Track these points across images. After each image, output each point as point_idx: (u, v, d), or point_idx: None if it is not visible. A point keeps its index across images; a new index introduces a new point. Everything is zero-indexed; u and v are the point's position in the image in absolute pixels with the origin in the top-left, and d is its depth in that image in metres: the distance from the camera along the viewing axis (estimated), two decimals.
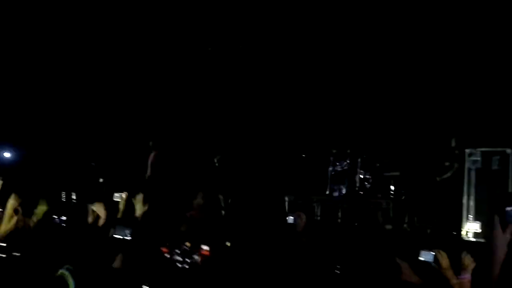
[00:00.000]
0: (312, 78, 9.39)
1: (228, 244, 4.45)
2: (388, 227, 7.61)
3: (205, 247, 4.54)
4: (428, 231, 7.17)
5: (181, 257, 4.44)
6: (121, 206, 4.50)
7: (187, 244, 4.61)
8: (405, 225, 7.59)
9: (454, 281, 3.12)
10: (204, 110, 10.21)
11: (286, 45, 9.32)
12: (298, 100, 9.53)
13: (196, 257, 4.49)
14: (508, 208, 3.12)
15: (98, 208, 4.28)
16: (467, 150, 7.57)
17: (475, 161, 7.46)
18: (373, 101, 8.93)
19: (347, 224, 8.24)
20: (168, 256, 4.50)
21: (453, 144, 7.43)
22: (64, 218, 4.44)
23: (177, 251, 4.49)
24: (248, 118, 10.06)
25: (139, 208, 4.33)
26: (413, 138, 7.98)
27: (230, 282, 3.98)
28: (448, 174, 7.37)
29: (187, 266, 4.42)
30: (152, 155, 9.17)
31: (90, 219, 4.25)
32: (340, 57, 9.06)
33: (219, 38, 9.70)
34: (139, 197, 4.38)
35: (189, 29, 9.49)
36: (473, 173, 7.51)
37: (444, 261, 3.16)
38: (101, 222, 4.18)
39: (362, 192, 8.66)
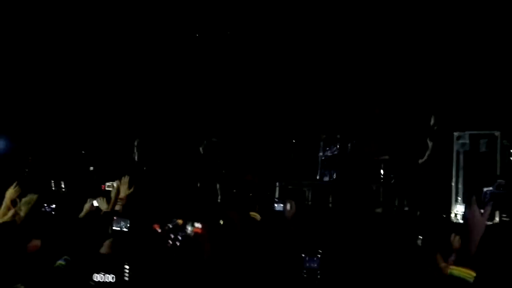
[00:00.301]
0: (301, 64, 9.39)
1: (221, 222, 4.54)
2: (378, 210, 7.69)
3: (197, 224, 4.64)
4: (418, 213, 7.25)
5: (173, 234, 4.53)
6: (112, 195, 4.51)
7: (179, 221, 4.73)
8: (394, 209, 7.67)
9: (442, 263, 3.15)
10: (192, 97, 10.19)
11: (273, 32, 9.31)
12: (288, 86, 9.54)
13: (188, 233, 4.59)
14: (485, 189, 3.20)
15: (100, 203, 4.31)
16: (456, 133, 7.64)
17: (463, 144, 7.53)
18: (361, 87, 8.96)
19: (338, 209, 8.31)
20: (160, 232, 4.61)
21: (432, 122, 7.45)
22: (53, 206, 4.45)
23: (169, 227, 4.60)
24: (237, 104, 10.06)
25: (124, 191, 4.38)
26: (402, 123, 8.03)
27: (221, 260, 4.06)
28: (425, 157, 7.42)
29: (178, 243, 4.49)
30: (138, 141, 9.25)
31: (86, 209, 4.27)
32: (329, 43, 9.07)
33: (204, 25, 9.67)
34: (125, 180, 4.43)
35: (174, 21, 9.46)
36: (461, 156, 7.60)
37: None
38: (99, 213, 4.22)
39: (352, 177, 8.72)
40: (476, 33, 7.80)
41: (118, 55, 10.00)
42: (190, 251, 4.40)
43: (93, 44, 9.94)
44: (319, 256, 4.03)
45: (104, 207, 4.28)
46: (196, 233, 4.63)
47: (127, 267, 3.24)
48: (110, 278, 3.10)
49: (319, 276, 4.01)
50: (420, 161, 7.45)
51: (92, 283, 3.04)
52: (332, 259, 4.25)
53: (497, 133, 7.33)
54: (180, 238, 4.46)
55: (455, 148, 7.58)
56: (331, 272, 4.19)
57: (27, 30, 9.48)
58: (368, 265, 4.52)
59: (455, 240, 3.44)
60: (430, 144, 7.32)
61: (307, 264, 3.98)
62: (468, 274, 2.78)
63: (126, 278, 3.25)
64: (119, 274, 3.15)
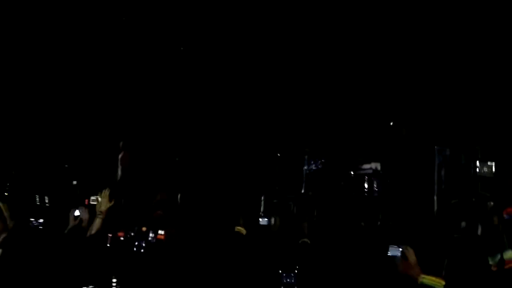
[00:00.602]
0: (286, 79, 9.48)
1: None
2: (361, 224, 7.76)
3: (160, 232, 4.88)
4: (400, 227, 7.33)
5: (137, 241, 4.73)
6: (97, 209, 4.51)
7: (143, 228, 4.97)
8: (378, 222, 7.75)
9: (420, 277, 3.23)
10: (175, 110, 10.22)
11: (258, 46, 9.40)
12: (272, 99, 9.62)
13: (151, 240, 4.83)
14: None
15: (82, 213, 4.31)
16: (436, 147, 7.77)
17: (444, 157, 7.68)
18: (345, 101, 9.08)
19: (323, 222, 8.35)
20: (123, 239, 4.74)
21: (404, 133, 7.58)
22: (41, 221, 4.44)
23: (132, 234, 4.78)
24: (223, 118, 10.10)
25: (104, 203, 4.39)
26: (385, 137, 8.15)
27: (183, 265, 4.14)
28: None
29: (142, 250, 4.67)
30: (122, 155, 9.24)
31: (71, 223, 4.26)
32: (312, 59, 9.18)
33: (190, 37, 9.71)
34: (106, 193, 4.45)
35: (161, 30, 9.48)
36: (442, 170, 7.73)
37: (411, 257, 3.26)
38: (84, 224, 4.22)
39: (336, 190, 8.81)
40: (461, 49, 7.97)
41: (99, 67, 9.99)
42: (154, 257, 4.53)
43: (77, 59, 9.91)
44: (296, 271, 4.08)
45: (86, 217, 4.28)
46: (159, 240, 4.84)
47: (114, 280, 3.26)
48: None
49: None
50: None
51: None
52: (309, 274, 4.29)
53: (477, 147, 7.49)
54: (143, 244, 4.63)
55: (437, 161, 7.72)
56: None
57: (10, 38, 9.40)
58: (348, 278, 4.56)
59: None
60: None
61: (284, 280, 4.03)
62: (438, 282, 2.95)
63: None
64: (106, 286, 3.17)
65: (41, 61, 9.82)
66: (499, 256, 3.72)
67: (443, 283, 3.00)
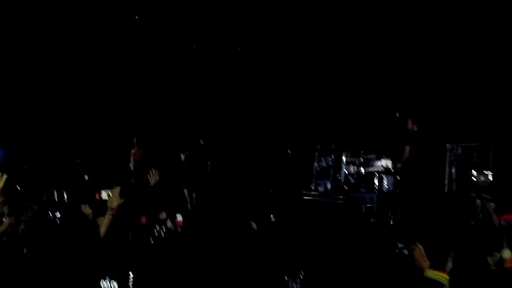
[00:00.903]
0: (296, 75, 9.47)
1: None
2: (373, 220, 7.74)
3: (179, 217, 5.26)
4: (411, 224, 7.30)
5: (158, 226, 5.00)
6: (109, 204, 4.56)
7: (163, 214, 5.27)
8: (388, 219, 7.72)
9: (426, 270, 3.30)
10: (188, 106, 10.25)
11: (269, 42, 9.39)
12: (283, 96, 9.61)
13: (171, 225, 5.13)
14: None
15: (85, 209, 4.37)
16: (448, 145, 7.72)
17: (456, 155, 7.63)
18: (356, 97, 9.05)
19: (332, 219, 8.35)
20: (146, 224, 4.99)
21: (409, 125, 7.49)
22: (58, 215, 4.53)
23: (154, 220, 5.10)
24: (234, 115, 10.10)
25: (115, 200, 4.44)
26: (396, 134, 8.11)
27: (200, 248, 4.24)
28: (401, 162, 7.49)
29: (163, 234, 4.92)
30: (135, 150, 9.27)
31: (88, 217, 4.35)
32: (324, 53, 9.15)
33: (202, 35, 9.72)
34: (116, 190, 4.50)
35: (174, 28, 9.51)
36: (453, 167, 7.69)
37: (420, 252, 3.30)
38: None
39: (346, 187, 8.78)
40: (469, 47, 7.90)
41: (113, 64, 10.05)
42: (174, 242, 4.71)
43: (89, 55, 9.96)
44: (302, 277, 4.10)
45: (88, 212, 4.34)
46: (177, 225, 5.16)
47: (131, 274, 3.31)
48: (114, 284, 3.17)
49: None
50: (398, 165, 7.54)
51: None
52: (315, 280, 4.30)
53: (489, 145, 7.43)
54: (164, 229, 4.80)
55: (448, 159, 7.67)
56: None
57: (13, 42, 9.47)
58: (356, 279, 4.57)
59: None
60: (407, 149, 7.39)
61: (290, 286, 4.03)
62: (442, 277, 3.05)
63: (130, 285, 3.32)
64: (123, 280, 3.22)
65: (55, 56, 9.91)
66: (498, 256, 3.87)
67: (447, 277, 3.13)
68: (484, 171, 7.26)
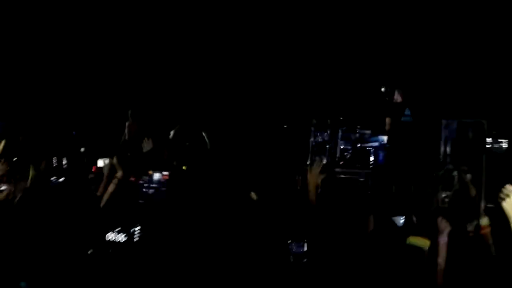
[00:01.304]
0: (292, 49, 9.42)
1: (184, 168, 5.38)
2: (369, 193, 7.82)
3: (165, 172, 5.53)
4: (405, 198, 7.37)
5: (147, 182, 5.30)
6: (105, 172, 4.59)
7: (149, 172, 5.58)
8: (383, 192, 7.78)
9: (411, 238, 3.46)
10: (184, 80, 10.21)
11: (263, 19, 9.32)
12: (278, 70, 9.58)
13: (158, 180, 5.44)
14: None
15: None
16: (443, 121, 7.73)
17: (450, 131, 7.65)
18: (352, 71, 9.03)
19: (327, 194, 8.40)
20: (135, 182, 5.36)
21: (382, 89, 7.51)
22: (61, 180, 4.61)
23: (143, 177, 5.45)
24: (227, 90, 10.09)
25: (119, 169, 4.50)
26: (390, 109, 8.12)
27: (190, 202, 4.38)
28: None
29: (151, 190, 5.21)
30: (129, 123, 9.25)
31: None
32: (319, 30, 9.10)
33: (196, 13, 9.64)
34: (115, 160, 4.55)
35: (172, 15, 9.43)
36: (448, 143, 7.71)
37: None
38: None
39: (342, 163, 8.82)
40: (466, 25, 7.87)
41: (110, 36, 9.96)
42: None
43: (86, 28, 9.88)
44: (306, 241, 4.15)
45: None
46: (164, 179, 5.47)
47: (137, 228, 3.42)
48: (121, 237, 3.27)
49: (305, 260, 4.12)
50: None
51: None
52: (319, 244, 4.36)
53: (484, 121, 7.43)
54: (152, 186, 5.12)
55: (443, 135, 7.69)
56: (318, 256, 4.30)
57: (16, 19, 9.38)
58: (356, 249, 4.64)
59: (442, 222, 3.80)
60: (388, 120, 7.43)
61: (294, 250, 4.09)
62: (423, 242, 3.29)
63: (136, 239, 3.44)
64: (130, 234, 3.31)
65: (50, 28, 9.82)
66: (475, 223, 4.19)
67: (428, 243, 3.37)
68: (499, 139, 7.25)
